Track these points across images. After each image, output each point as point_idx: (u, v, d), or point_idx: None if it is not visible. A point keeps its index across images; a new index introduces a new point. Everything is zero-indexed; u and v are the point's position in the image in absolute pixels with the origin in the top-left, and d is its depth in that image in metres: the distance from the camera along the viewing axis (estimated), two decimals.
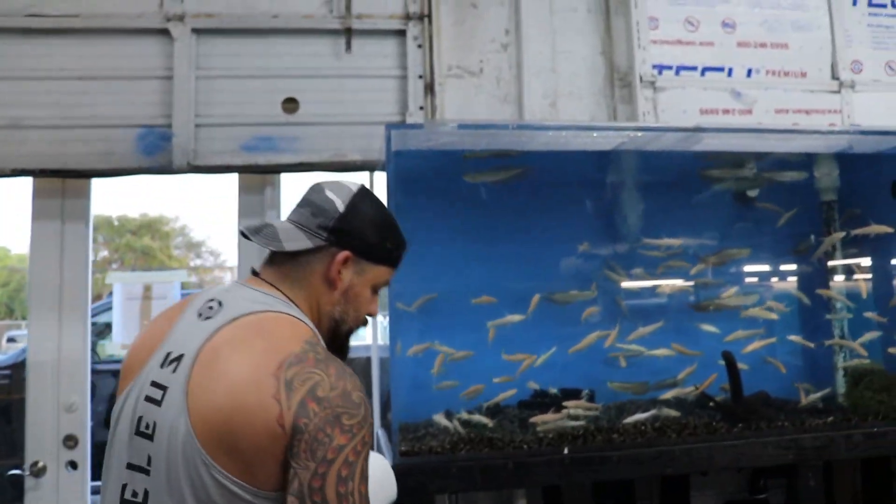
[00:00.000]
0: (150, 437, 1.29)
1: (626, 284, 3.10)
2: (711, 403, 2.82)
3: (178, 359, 1.31)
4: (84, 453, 3.31)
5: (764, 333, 3.04)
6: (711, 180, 3.24)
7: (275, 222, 1.48)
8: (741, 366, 2.83)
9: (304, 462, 1.19)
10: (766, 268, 3.40)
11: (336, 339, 1.49)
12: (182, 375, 1.29)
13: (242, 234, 1.47)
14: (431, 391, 2.72)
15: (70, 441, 3.29)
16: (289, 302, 1.41)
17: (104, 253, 13.16)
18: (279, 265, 1.46)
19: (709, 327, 3.00)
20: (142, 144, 3.16)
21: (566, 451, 2.45)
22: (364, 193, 1.51)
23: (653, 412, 2.68)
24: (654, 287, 3.14)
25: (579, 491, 2.44)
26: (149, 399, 1.32)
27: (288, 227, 1.46)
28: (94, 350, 6.00)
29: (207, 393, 1.25)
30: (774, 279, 3.41)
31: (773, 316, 3.06)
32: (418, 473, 2.36)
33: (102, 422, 5.83)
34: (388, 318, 2.48)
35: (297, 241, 1.43)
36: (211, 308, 1.38)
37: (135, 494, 1.29)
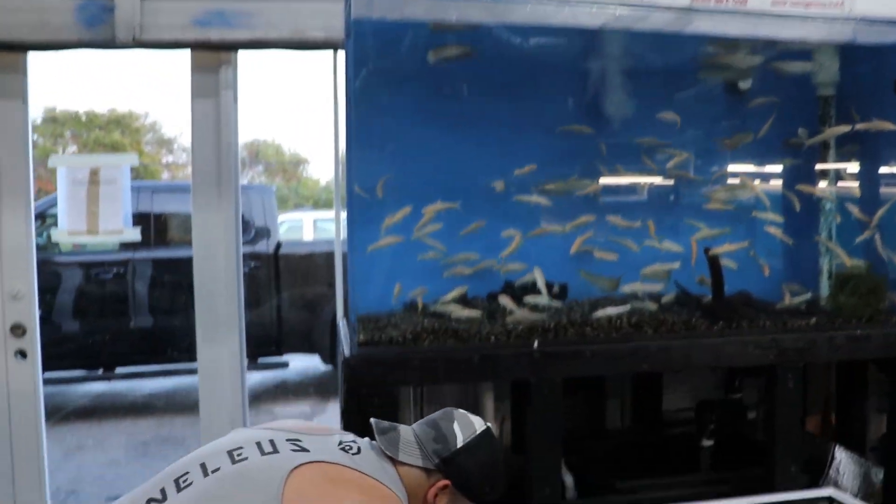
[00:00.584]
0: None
1: (607, 180, 2.91)
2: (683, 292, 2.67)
3: (304, 450, 1.50)
4: (33, 343, 3.15)
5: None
6: (703, 68, 3.02)
7: (402, 430, 1.64)
8: (727, 263, 2.68)
9: None
10: (754, 167, 3.22)
11: None
12: (300, 459, 1.46)
13: (372, 427, 1.63)
14: (394, 281, 2.54)
15: (17, 330, 3.13)
16: (403, 487, 1.56)
17: (73, 148, 12.81)
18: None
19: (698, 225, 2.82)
20: (81, 15, 2.88)
21: (536, 344, 2.31)
22: (485, 436, 1.64)
23: (628, 306, 2.54)
24: (637, 181, 2.96)
25: (549, 387, 2.31)
26: (263, 450, 1.49)
27: (411, 439, 1.61)
28: (54, 241, 5.86)
29: (314, 500, 1.42)
30: (761, 180, 3.22)
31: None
32: (377, 364, 2.22)
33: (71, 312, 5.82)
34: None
35: (411, 457, 1.59)
36: (350, 448, 1.56)
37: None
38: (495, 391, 2.85)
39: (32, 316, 3.14)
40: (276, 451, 1.48)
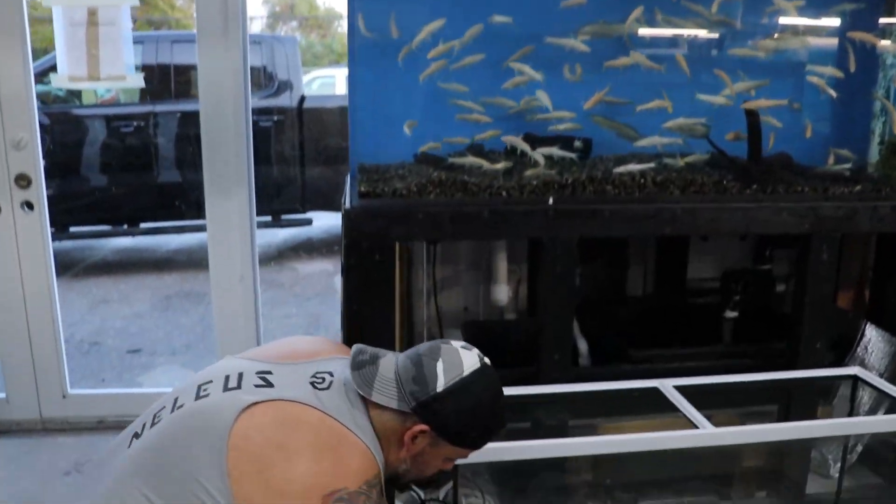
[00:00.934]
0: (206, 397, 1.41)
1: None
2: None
3: (269, 385, 1.41)
4: (39, 193, 3.06)
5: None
6: None
7: (383, 363, 1.46)
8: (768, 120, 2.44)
9: None
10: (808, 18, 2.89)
11: (394, 481, 1.54)
12: (256, 397, 1.37)
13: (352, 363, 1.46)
14: (402, 131, 2.35)
15: (22, 181, 3.03)
16: (374, 436, 1.42)
17: None
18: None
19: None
20: None
21: (551, 200, 2.14)
22: (473, 379, 1.44)
23: (652, 164, 2.34)
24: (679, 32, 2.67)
25: (563, 247, 2.16)
26: (227, 384, 1.42)
27: (389, 377, 1.44)
28: (72, 92, 5.73)
29: (261, 446, 1.31)
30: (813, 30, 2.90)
31: None
32: (379, 217, 2.08)
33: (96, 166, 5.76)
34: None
35: (385, 397, 1.42)
36: (322, 382, 1.43)
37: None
38: (510, 252, 2.72)
39: (36, 166, 3.04)
40: (238, 386, 1.41)
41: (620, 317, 2.81)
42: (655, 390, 2.22)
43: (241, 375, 1.43)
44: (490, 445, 1.90)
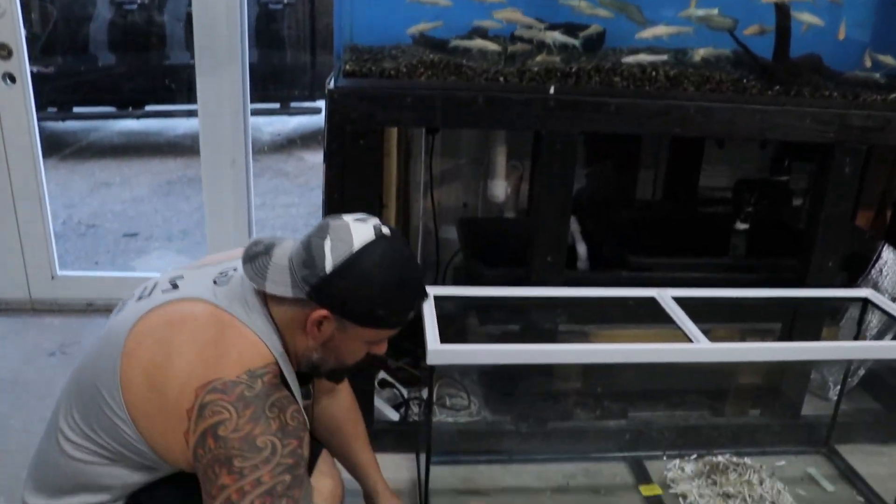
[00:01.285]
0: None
1: None
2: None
3: (174, 289, 1.34)
4: (21, 65, 2.90)
5: None
6: None
7: (277, 253, 1.33)
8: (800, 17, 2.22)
9: (202, 483, 1.19)
10: None
11: (318, 375, 1.43)
12: (155, 303, 1.31)
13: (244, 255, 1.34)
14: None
15: (2, 50, 2.87)
16: (272, 327, 1.31)
17: None
18: None
19: None
20: None
21: (552, 89, 1.97)
22: (367, 253, 1.28)
23: (665, 56, 2.14)
24: None
25: (563, 141, 2.00)
26: (140, 295, 1.37)
27: (283, 264, 1.31)
28: None
29: (148, 350, 1.25)
30: None
31: None
32: (364, 99, 1.92)
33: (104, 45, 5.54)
34: None
35: (279, 286, 1.29)
36: (223, 277, 1.35)
37: None
38: (512, 146, 2.56)
39: (17, 35, 2.87)
40: (148, 295, 1.36)
41: (624, 221, 2.67)
42: (652, 300, 2.10)
43: (155, 285, 1.37)
44: (475, 348, 1.83)
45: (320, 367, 1.37)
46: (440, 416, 2.55)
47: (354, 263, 1.25)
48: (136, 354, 1.25)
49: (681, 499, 2.20)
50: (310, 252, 1.27)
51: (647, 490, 2.22)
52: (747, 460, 2.33)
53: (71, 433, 1.30)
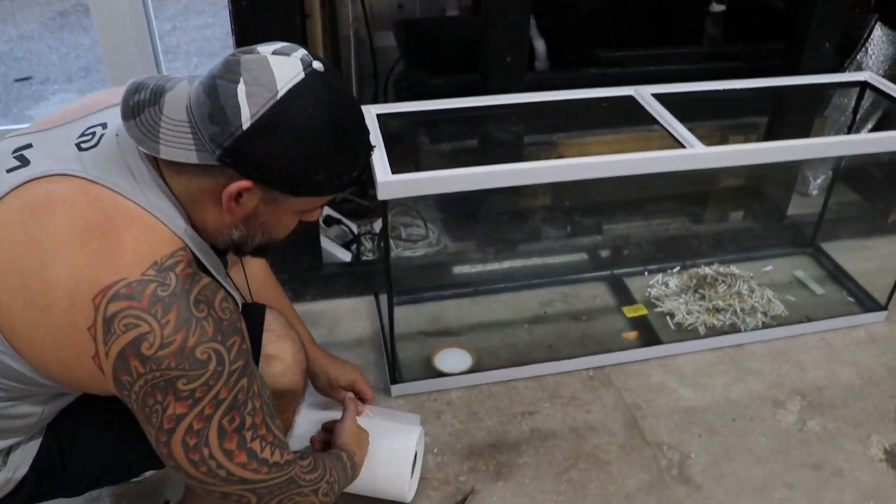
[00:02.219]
0: None
1: None
2: None
3: (24, 163, 0.95)
4: None
5: None
6: None
7: (170, 100, 0.93)
8: None
9: (141, 421, 0.94)
10: None
11: (241, 254, 1.09)
12: (6, 186, 0.93)
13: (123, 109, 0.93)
14: None
15: None
16: (171, 200, 0.96)
17: None
18: None
19: None
20: None
21: None
22: (297, 97, 0.91)
23: None
24: None
25: None
26: None
27: (179, 119, 0.92)
28: None
29: (11, 254, 0.90)
30: None
31: None
32: None
33: None
34: None
35: (178, 150, 0.92)
36: (90, 138, 0.97)
37: None
38: None
39: None
40: None
41: (586, 10, 2.31)
42: (630, 99, 1.81)
43: None
44: (433, 176, 1.52)
45: (243, 246, 1.05)
46: (396, 251, 2.30)
47: (280, 115, 0.90)
48: None
49: (668, 318, 2.02)
50: (217, 101, 0.90)
51: (631, 311, 2.04)
52: (734, 269, 2.16)
53: None
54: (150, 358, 0.87)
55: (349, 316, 2.06)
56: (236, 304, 0.99)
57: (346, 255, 2.22)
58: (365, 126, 1.00)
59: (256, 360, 1.12)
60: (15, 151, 0.98)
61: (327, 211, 2.30)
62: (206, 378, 0.90)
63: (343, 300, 2.12)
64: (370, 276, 2.13)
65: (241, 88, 0.89)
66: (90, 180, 0.92)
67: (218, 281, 1.01)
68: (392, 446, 1.44)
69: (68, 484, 1.13)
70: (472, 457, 1.63)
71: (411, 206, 2.44)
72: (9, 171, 0.95)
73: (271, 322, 1.18)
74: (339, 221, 2.30)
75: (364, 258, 2.24)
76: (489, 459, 1.62)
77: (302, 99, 0.90)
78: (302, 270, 2.07)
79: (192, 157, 0.91)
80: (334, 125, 0.93)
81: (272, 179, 0.93)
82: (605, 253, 2.30)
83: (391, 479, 1.42)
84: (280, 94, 0.89)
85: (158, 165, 0.95)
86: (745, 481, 1.57)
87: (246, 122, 0.89)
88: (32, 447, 1.08)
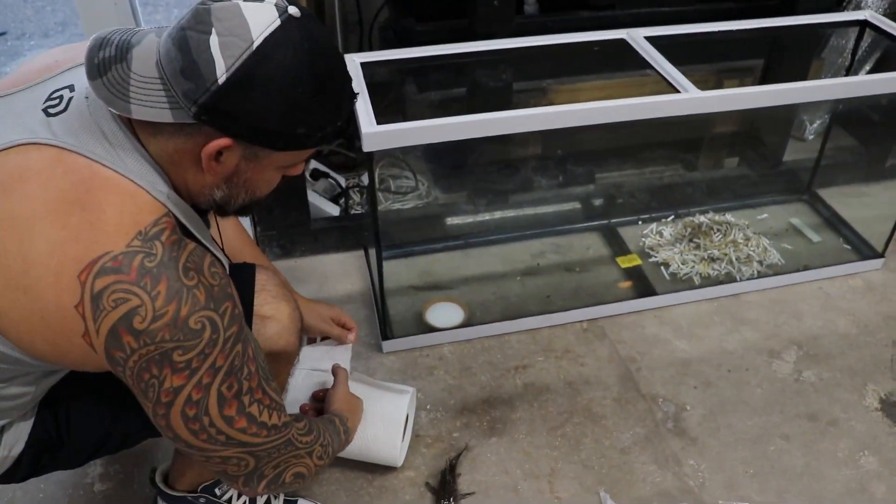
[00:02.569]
0: None
1: None
2: None
3: None
4: None
5: None
6: None
7: (136, 55, 0.86)
8: None
9: (138, 395, 0.90)
10: None
11: (225, 214, 1.03)
12: None
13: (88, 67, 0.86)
14: None
15: None
16: (148, 163, 0.90)
17: None
18: None
19: None
20: None
21: None
22: (273, 45, 0.84)
23: None
24: None
25: None
26: None
27: (148, 76, 0.85)
28: None
29: None
30: None
31: None
32: None
33: None
34: None
35: (150, 109, 0.85)
36: (57, 103, 0.91)
37: None
38: None
39: None
40: None
41: None
42: (622, 43, 1.75)
43: None
44: (419, 126, 1.46)
45: (226, 206, 1.00)
46: (385, 204, 2.25)
47: (257, 66, 0.84)
48: None
49: (662, 268, 1.99)
50: (188, 54, 0.84)
51: (624, 261, 2.00)
52: (729, 217, 2.12)
53: None
54: (143, 332, 0.84)
55: (339, 271, 2.03)
56: (224, 267, 0.94)
57: (334, 210, 2.17)
58: (347, 74, 0.94)
59: (249, 322, 1.08)
60: None
61: (314, 164, 2.24)
62: (202, 347, 0.87)
63: (332, 255, 2.08)
64: (359, 231, 2.09)
65: (214, 40, 0.83)
66: (63, 148, 0.86)
67: (204, 245, 0.97)
68: (383, 410, 1.42)
69: (67, 457, 1.11)
70: (466, 413, 1.61)
71: (400, 157, 2.38)
72: None
73: (266, 283, 1.14)
74: (326, 175, 2.25)
75: (353, 212, 2.19)
76: (483, 415, 1.60)
77: (279, 48, 0.84)
78: (290, 226, 2.03)
79: (166, 116, 0.85)
80: (314, 75, 0.87)
81: (252, 135, 0.88)
82: (598, 202, 2.26)
83: (382, 443, 1.41)
84: (256, 43, 0.83)
85: (133, 127, 0.89)
86: (741, 433, 1.56)
87: (221, 77, 0.83)
88: (26, 425, 1.05)
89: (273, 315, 1.13)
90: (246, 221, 1.99)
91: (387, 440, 1.41)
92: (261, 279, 1.14)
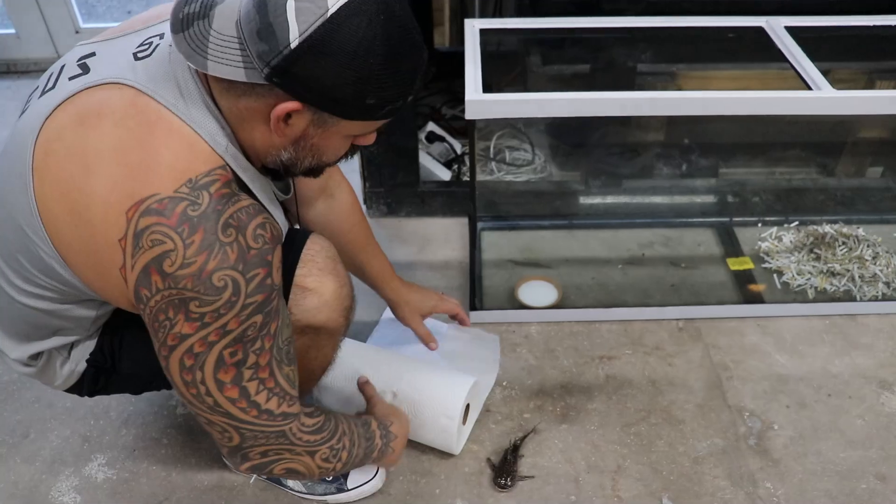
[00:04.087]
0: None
1: None
2: None
3: (85, 72, 0.95)
4: None
5: None
6: None
7: (219, 13, 0.87)
8: None
9: (151, 334, 0.94)
10: None
11: (292, 175, 1.05)
12: (63, 94, 0.94)
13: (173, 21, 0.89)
14: None
15: None
16: (216, 117, 0.93)
17: None
18: None
19: None
20: None
21: None
22: (348, 15, 0.83)
23: None
24: None
25: None
26: (45, 87, 0.98)
27: (228, 35, 0.87)
28: None
29: (61, 161, 0.91)
30: None
31: None
32: None
33: None
34: None
35: (226, 66, 0.87)
36: (146, 49, 0.95)
37: None
38: None
39: None
40: (53, 86, 0.98)
41: None
42: (759, 31, 1.63)
43: (61, 69, 0.99)
44: (525, 98, 1.43)
45: (292, 167, 1.01)
46: (498, 174, 2.23)
47: (331, 33, 0.84)
48: (47, 170, 0.92)
49: (775, 275, 1.87)
50: (265, 16, 0.84)
51: (735, 263, 1.90)
52: (860, 231, 1.95)
53: (17, 279, 1.03)
54: (169, 275, 0.87)
55: (441, 237, 2.03)
56: (276, 234, 0.95)
57: (445, 174, 2.17)
58: (422, 47, 0.92)
59: (287, 290, 1.09)
60: (80, 59, 0.98)
61: (431, 127, 2.25)
62: (218, 305, 0.89)
63: (437, 220, 2.09)
64: (468, 197, 2.08)
65: (291, 4, 0.83)
66: (140, 91, 0.91)
67: (262, 205, 0.99)
68: (443, 395, 1.41)
69: (121, 383, 1.18)
70: (541, 395, 1.59)
71: (522, 129, 2.35)
72: (70, 78, 0.95)
73: (316, 253, 1.14)
74: (442, 139, 2.25)
75: (464, 178, 2.19)
76: (558, 400, 1.57)
77: (354, 17, 0.84)
78: (398, 185, 2.04)
79: (239, 75, 0.87)
80: (388, 47, 0.86)
81: (321, 101, 0.89)
82: (717, 198, 2.14)
83: (438, 431, 1.40)
84: (330, 11, 0.83)
85: (207, 81, 0.92)
86: (831, 464, 1.45)
87: (294, 41, 0.83)
88: (90, 345, 1.13)
89: (315, 288, 1.12)
90: (355, 176, 2.02)
91: (443, 430, 1.40)
92: (311, 249, 1.13)
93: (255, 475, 1.41)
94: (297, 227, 1.26)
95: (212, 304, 0.88)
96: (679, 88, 1.94)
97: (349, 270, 1.21)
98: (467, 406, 1.45)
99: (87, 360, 1.13)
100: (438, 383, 1.43)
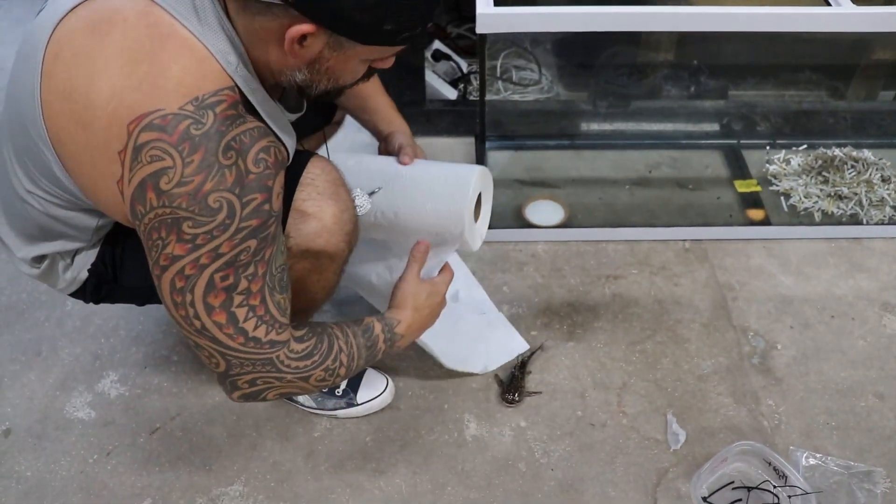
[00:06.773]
0: None
1: None
2: None
3: None
4: None
5: None
6: None
7: None
8: None
9: (146, 252, 0.92)
10: None
11: (307, 97, 1.03)
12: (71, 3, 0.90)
13: None
14: None
15: None
16: (230, 37, 0.90)
17: None
18: None
19: None
20: None
21: None
22: None
23: None
24: None
25: None
26: None
27: None
28: None
29: (68, 64, 0.89)
30: None
31: None
32: None
33: None
34: None
35: None
36: None
37: None
38: None
39: None
40: None
41: None
42: None
43: None
44: (540, 11, 1.40)
45: (308, 89, 0.99)
46: (504, 94, 2.19)
47: None
48: (54, 74, 0.89)
49: (782, 197, 1.87)
50: None
51: (742, 186, 1.89)
52: (869, 154, 1.94)
53: (24, 178, 1.02)
54: (165, 193, 0.86)
55: (447, 156, 2.01)
56: (280, 159, 0.93)
57: (451, 93, 2.14)
58: None
59: (286, 214, 1.07)
60: None
61: (437, 45, 2.20)
62: (212, 227, 0.87)
63: (443, 139, 2.07)
64: (474, 117, 2.06)
65: None
66: (154, 1, 0.88)
67: (269, 127, 0.97)
68: (446, 179, 1.26)
69: (123, 294, 1.18)
70: (548, 313, 1.60)
71: (528, 49, 2.30)
72: None
73: (317, 177, 1.11)
74: (448, 57, 2.20)
75: (470, 97, 2.15)
76: (564, 318, 1.59)
77: None
78: (403, 104, 1.99)
79: None
80: None
81: (337, 24, 0.86)
82: (726, 120, 2.12)
83: (448, 218, 1.24)
84: None
85: (225, 1, 0.90)
86: (831, 382, 1.48)
87: None
88: (92, 254, 1.13)
89: (314, 213, 1.09)
90: None
91: (454, 214, 1.23)
92: (312, 172, 1.10)
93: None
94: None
95: (205, 226, 0.87)
96: (694, 4, 1.90)
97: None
98: (479, 197, 1.32)
99: (89, 270, 1.13)
100: (442, 168, 1.31)
